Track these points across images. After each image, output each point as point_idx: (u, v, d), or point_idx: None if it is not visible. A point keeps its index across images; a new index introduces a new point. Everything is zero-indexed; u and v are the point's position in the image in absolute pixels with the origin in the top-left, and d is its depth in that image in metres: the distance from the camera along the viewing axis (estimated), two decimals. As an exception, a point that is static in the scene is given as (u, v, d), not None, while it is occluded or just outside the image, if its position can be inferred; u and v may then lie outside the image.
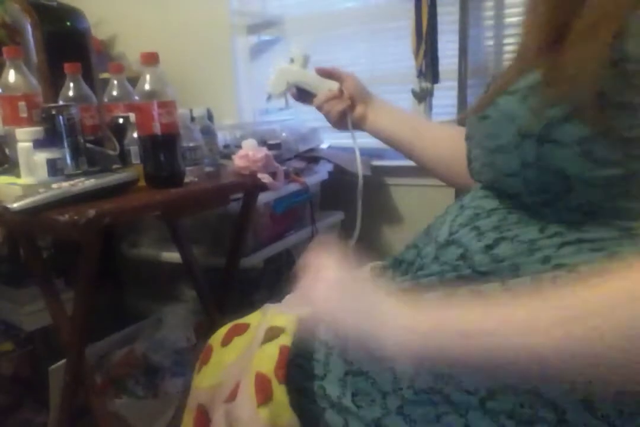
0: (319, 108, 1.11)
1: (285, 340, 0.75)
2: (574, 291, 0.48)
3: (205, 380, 0.86)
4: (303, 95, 1.16)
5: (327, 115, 1.10)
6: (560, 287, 0.50)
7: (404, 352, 0.53)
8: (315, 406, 0.72)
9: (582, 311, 0.47)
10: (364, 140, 1.17)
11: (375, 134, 1.09)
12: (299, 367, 0.73)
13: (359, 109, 1.08)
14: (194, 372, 0.90)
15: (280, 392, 0.72)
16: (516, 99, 0.63)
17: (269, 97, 1.21)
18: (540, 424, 0.57)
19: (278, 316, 0.80)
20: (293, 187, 1.71)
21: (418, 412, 0.62)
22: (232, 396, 0.77)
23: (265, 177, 1.39)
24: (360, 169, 1.15)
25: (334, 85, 1.11)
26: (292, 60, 1.17)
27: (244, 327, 0.87)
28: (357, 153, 1.15)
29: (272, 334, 0.77)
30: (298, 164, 1.81)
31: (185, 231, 1.66)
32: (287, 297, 0.86)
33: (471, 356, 0.51)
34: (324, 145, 2.06)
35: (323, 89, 1.12)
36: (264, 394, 0.73)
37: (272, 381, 0.73)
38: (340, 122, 1.09)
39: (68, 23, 1.58)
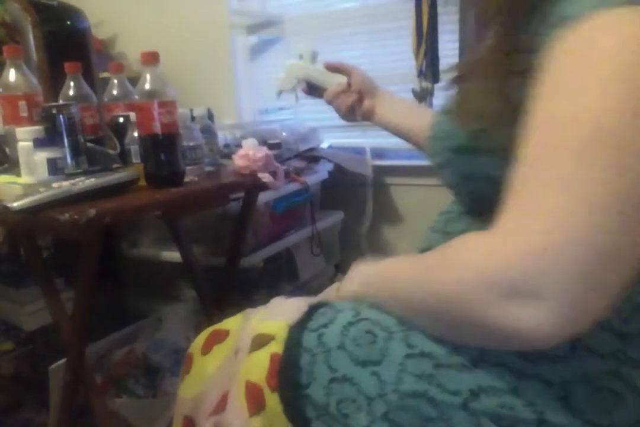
0: (329, 102, 1.17)
1: (275, 347, 0.73)
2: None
3: (189, 390, 0.85)
4: (313, 89, 1.21)
5: (337, 109, 1.17)
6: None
7: (355, 290, 0.76)
8: (304, 416, 0.70)
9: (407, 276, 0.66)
10: (364, 140, 1.19)
11: (383, 126, 1.14)
12: (286, 375, 0.71)
13: (366, 102, 1.14)
14: (179, 381, 0.89)
15: (273, 401, 0.70)
16: (447, 118, 0.70)
17: (280, 93, 1.25)
18: (522, 425, 0.57)
19: (265, 323, 0.77)
20: (293, 186, 1.71)
21: (403, 417, 0.62)
22: (220, 408, 0.76)
23: (265, 177, 1.39)
24: (368, 170, 1.20)
25: (342, 79, 1.16)
26: (300, 57, 1.23)
27: (224, 335, 0.85)
28: (368, 154, 1.19)
29: (261, 341, 0.74)
30: (298, 163, 1.81)
31: (185, 230, 1.66)
32: (273, 300, 0.84)
33: (384, 291, 0.70)
34: (324, 145, 2.05)
35: (332, 83, 1.17)
36: (255, 404, 0.71)
37: (264, 389, 0.71)
38: (350, 114, 1.16)
39: (68, 22, 1.58)
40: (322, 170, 1.89)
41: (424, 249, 0.74)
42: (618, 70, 0.49)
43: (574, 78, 0.51)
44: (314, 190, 1.89)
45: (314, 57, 1.23)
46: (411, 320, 0.66)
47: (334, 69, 1.17)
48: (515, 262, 0.49)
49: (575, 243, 0.47)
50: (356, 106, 1.14)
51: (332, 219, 2.00)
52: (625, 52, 0.49)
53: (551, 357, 0.58)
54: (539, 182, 0.51)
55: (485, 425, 0.58)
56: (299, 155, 1.87)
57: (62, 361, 1.37)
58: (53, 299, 1.43)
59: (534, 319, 0.48)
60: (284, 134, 1.82)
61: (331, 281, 2.00)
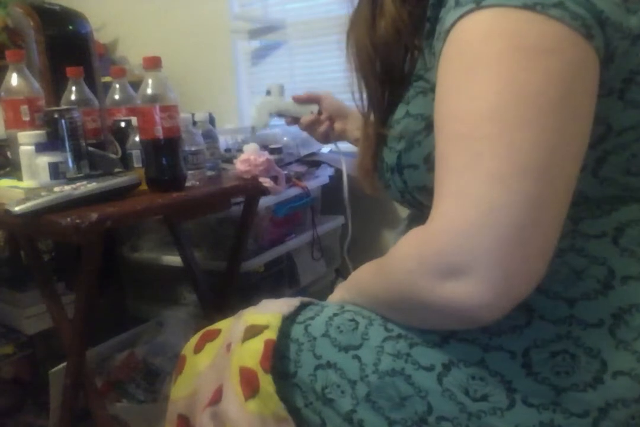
0: (305, 130, 1.27)
1: (269, 334, 0.76)
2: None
3: (181, 390, 0.86)
4: (289, 120, 1.29)
5: (312, 136, 1.27)
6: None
7: (339, 298, 0.83)
8: (293, 406, 0.75)
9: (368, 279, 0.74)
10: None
11: (355, 143, 1.20)
12: (273, 367, 0.74)
13: (338, 125, 1.23)
14: (171, 383, 0.90)
15: (266, 382, 0.73)
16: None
17: (253, 129, 1.33)
18: (493, 397, 0.61)
19: (256, 315, 0.81)
20: (294, 191, 1.71)
21: (384, 397, 0.66)
22: (215, 399, 0.78)
23: (266, 181, 1.39)
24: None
25: (313, 107, 1.23)
26: (268, 92, 1.30)
27: (216, 333, 0.87)
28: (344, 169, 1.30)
29: (254, 331, 0.77)
30: (299, 168, 1.81)
31: (186, 234, 1.66)
32: (263, 301, 0.86)
33: (356, 291, 0.78)
34: (324, 150, 2.06)
35: (304, 112, 1.24)
36: (250, 387, 0.74)
37: (258, 372, 0.73)
38: (324, 140, 1.26)
39: (70, 27, 1.58)
40: (323, 175, 1.89)
41: None
42: (485, 60, 0.54)
43: (453, 76, 0.56)
44: (314, 195, 1.89)
45: (281, 91, 1.30)
46: (383, 314, 0.72)
47: (302, 101, 1.24)
48: (440, 243, 0.53)
49: (485, 216, 0.50)
50: (329, 132, 1.22)
51: (332, 224, 2.00)
52: (491, 40, 0.53)
53: (511, 329, 0.62)
54: (448, 170, 0.55)
55: (458, 398, 0.62)
56: (300, 160, 1.87)
57: (63, 364, 1.37)
58: (54, 302, 1.43)
59: (468, 293, 0.51)
60: (285, 138, 1.82)
61: (332, 285, 2.01)
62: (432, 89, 0.61)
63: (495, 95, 0.52)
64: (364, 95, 0.79)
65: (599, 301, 0.61)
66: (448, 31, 0.57)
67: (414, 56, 0.75)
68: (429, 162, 0.63)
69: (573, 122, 0.53)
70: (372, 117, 0.79)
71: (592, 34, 0.53)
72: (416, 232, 0.58)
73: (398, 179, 0.71)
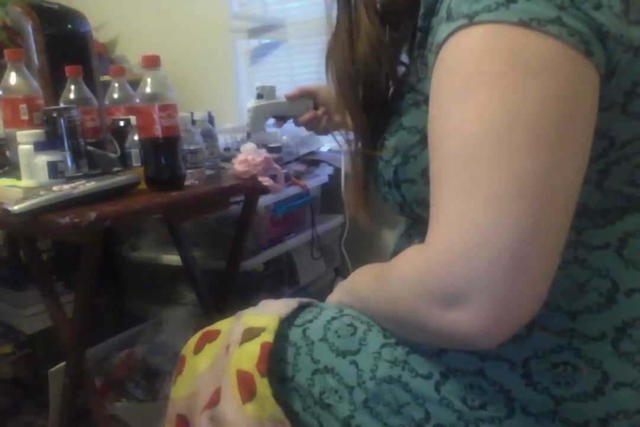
0: (304, 127, 1.23)
1: (266, 337, 0.76)
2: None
3: (181, 390, 0.86)
4: (282, 120, 1.27)
5: (311, 131, 1.25)
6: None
7: (337, 300, 0.83)
8: (291, 410, 0.74)
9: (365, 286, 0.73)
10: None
11: None
12: (271, 370, 0.74)
13: (337, 117, 1.16)
14: (171, 383, 0.90)
15: (262, 385, 0.73)
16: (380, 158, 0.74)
17: (249, 135, 1.29)
18: (491, 405, 0.61)
19: (254, 317, 0.80)
20: (293, 190, 1.71)
21: (382, 403, 0.66)
22: (214, 401, 0.78)
23: (266, 180, 1.39)
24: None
25: (308, 102, 1.20)
26: (260, 95, 1.26)
27: (215, 334, 0.87)
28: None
29: (252, 334, 0.77)
30: (298, 167, 1.81)
31: (185, 233, 1.66)
32: (263, 302, 0.86)
33: (353, 297, 0.77)
34: (324, 148, 2.06)
35: (299, 109, 1.21)
36: (247, 390, 0.74)
37: (255, 375, 0.73)
38: (325, 131, 1.23)
39: (69, 26, 1.58)
40: (323, 174, 1.89)
41: (393, 253, 0.78)
42: (480, 80, 0.51)
43: (448, 94, 0.54)
44: (314, 193, 1.89)
45: (272, 92, 1.26)
46: (380, 323, 0.71)
47: (295, 98, 1.21)
48: (438, 271, 0.52)
49: (483, 243, 0.49)
50: (328, 126, 1.19)
51: (332, 223, 2.00)
52: (486, 59, 0.51)
53: (511, 339, 0.59)
54: (445, 193, 0.53)
55: (456, 406, 0.62)
56: (299, 159, 1.87)
57: (62, 364, 1.37)
58: (53, 302, 1.43)
59: (467, 322, 0.51)
60: (284, 137, 1.82)
61: (331, 284, 2.00)
62: (425, 101, 0.60)
63: (491, 116, 0.50)
64: (349, 122, 0.77)
65: (602, 314, 0.60)
66: (440, 46, 0.55)
67: (397, 76, 0.74)
68: (425, 175, 0.62)
69: (571, 142, 0.51)
70: (359, 146, 0.77)
71: (591, 50, 0.51)
72: (417, 254, 0.57)
73: (396, 194, 0.70)
